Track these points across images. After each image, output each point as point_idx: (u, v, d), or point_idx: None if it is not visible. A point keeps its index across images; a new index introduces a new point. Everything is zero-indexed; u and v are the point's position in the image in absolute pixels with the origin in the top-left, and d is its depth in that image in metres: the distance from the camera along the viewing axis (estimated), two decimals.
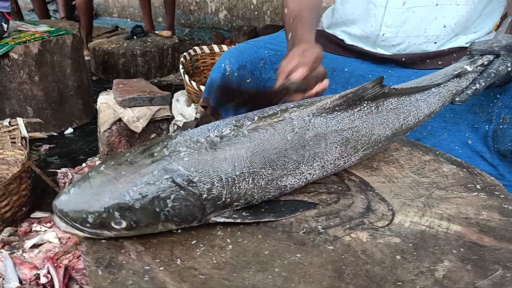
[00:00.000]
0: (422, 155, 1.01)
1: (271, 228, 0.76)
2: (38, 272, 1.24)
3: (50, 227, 1.47)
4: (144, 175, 0.69)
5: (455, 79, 0.96)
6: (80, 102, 2.55)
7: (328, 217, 0.78)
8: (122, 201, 0.67)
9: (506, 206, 0.82)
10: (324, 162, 0.81)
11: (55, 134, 2.38)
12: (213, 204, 0.73)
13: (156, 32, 3.70)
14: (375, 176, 0.92)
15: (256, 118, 0.78)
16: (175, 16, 4.14)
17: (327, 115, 0.79)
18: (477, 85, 0.98)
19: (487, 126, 1.17)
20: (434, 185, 0.89)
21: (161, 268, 0.68)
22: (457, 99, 0.99)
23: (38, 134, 1.81)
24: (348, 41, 1.35)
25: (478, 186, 0.89)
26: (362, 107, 0.83)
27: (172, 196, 0.69)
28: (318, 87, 0.96)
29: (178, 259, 0.70)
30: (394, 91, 0.86)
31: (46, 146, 2.31)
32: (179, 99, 2.45)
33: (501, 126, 1.13)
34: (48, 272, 1.24)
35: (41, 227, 1.54)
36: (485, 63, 0.97)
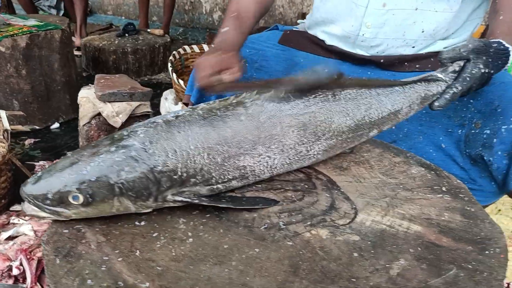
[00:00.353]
0: (393, 157, 1.02)
1: (233, 223, 0.77)
2: (11, 263, 1.24)
3: (27, 220, 1.47)
4: (102, 152, 0.73)
5: (424, 82, 0.97)
6: (67, 97, 2.55)
7: (290, 214, 0.79)
8: (79, 175, 0.71)
9: (468, 209, 0.83)
10: (283, 146, 0.82)
11: (37, 127, 2.37)
12: (169, 178, 0.74)
13: (148, 30, 3.70)
14: (343, 176, 0.93)
15: (212, 102, 0.81)
16: None
17: (280, 99, 0.82)
18: (454, 89, 0.97)
19: (460, 130, 1.18)
20: (401, 186, 0.90)
21: (120, 259, 0.68)
22: (436, 103, 0.98)
23: (20, 127, 1.81)
24: (328, 41, 1.36)
25: (443, 188, 0.90)
26: (318, 94, 0.85)
27: (126, 168, 0.72)
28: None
29: (138, 251, 0.70)
30: (350, 81, 0.88)
31: (31, 140, 2.31)
32: (168, 97, 2.45)
33: (472, 131, 1.14)
34: (21, 264, 1.23)
35: (19, 220, 1.54)
36: (457, 69, 0.98)
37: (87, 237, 0.73)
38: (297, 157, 0.86)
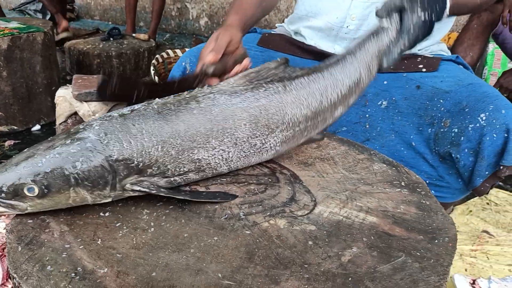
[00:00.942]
0: (357, 154, 1.05)
1: (195, 214, 0.79)
2: None
3: (0, 218, 1.47)
4: (58, 145, 0.75)
5: (372, 38, 0.94)
6: (49, 100, 2.55)
7: (251, 205, 0.82)
8: (34, 168, 0.72)
9: (424, 202, 0.87)
10: (236, 139, 0.84)
11: (17, 128, 2.37)
12: (126, 167, 0.76)
13: (134, 35, 3.72)
14: (306, 171, 0.96)
15: (167, 98, 0.84)
16: None
17: (231, 93, 0.85)
18: (401, 46, 0.92)
19: (430, 129, 1.23)
20: (362, 181, 0.93)
21: (81, 247, 0.70)
22: (384, 61, 0.93)
23: None
24: (309, 37, 1.39)
25: (402, 183, 0.93)
26: (267, 86, 0.87)
27: (81, 159, 0.74)
28: (237, 68, 1.02)
29: (100, 239, 0.72)
30: (300, 71, 0.90)
31: (11, 142, 2.31)
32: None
33: (441, 130, 1.19)
34: None
35: None
36: (397, 19, 0.93)
37: (51, 227, 0.75)
38: (253, 150, 0.87)
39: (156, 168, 0.79)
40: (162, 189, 0.79)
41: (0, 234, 1.40)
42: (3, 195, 0.72)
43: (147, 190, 0.78)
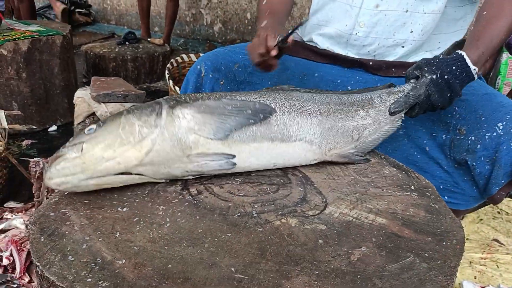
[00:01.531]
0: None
1: (209, 211, 0.82)
2: (1, 254, 1.29)
3: (19, 215, 1.51)
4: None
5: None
6: (65, 101, 2.61)
7: (263, 204, 0.84)
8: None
9: (433, 205, 0.88)
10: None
11: (34, 127, 2.43)
12: (172, 98, 0.91)
13: (149, 39, 3.79)
14: (318, 173, 0.98)
15: None
16: None
17: None
18: (409, 96, 1.06)
19: (445, 135, 1.24)
20: (372, 184, 0.95)
21: (100, 239, 0.73)
22: (391, 106, 1.07)
23: (17, 126, 1.87)
24: (322, 44, 1.43)
25: (412, 187, 0.95)
26: None
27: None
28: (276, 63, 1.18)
29: (118, 233, 0.75)
30: None
31: (28, 141, 2.37)
32: None
33: (457, 137, 1.20)
34: (11, 255, 1.28)
35: (12, 216, 1.58)
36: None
37: (72, 220, 0.78)
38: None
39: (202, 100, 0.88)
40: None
41: (18, 229, 1.45)
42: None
43: (196, 107, 0.87)
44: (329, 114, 1.02)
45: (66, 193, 0.87)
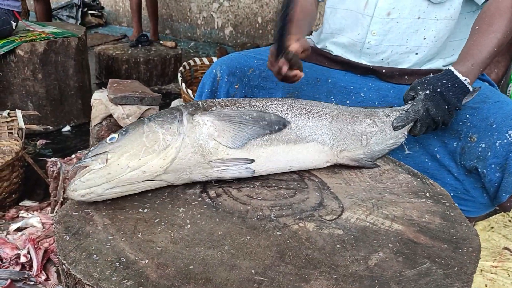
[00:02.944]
0: (383, 164, 1.08)
1: (229, 214, 0.83)
2: (19, 252, 1.31)
3: (35, 213, 1.54)
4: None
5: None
6: (79, 102, 2.65)
7: (281, 208, 0.86)
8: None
9: (448, 213, 0.89)
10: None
11: (50, 127, 2.47)
12: (192, 105, 0.95)
13: (161, 42, 3.82)
14: (334, 178, 0.99)
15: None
16: (180, 29, 4.29)
17: None
18: (409, 111, 1.12)
19: (455, 143, 1.25)
20: (387, 190, 0.96)
21: (123, 239, 0.75)
22: (394, 121, 1.11)
23: (34, 126, 1.90)
24: (335, 51, 1.44)
25: (427, 194, 0.96)
26: None
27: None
28: (298, 73, 1.18)
29: (140, 233, 0.77)
30: None
31: (42, 141, 2.40)
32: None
33: (468, 144, 1.21)
34: (28, 253, 1.30)
35: (27, 214, 1.61)
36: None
37: (95, 220, 0.80)
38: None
39: (220, 107, 0.90)
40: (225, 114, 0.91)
41: (34, 228, 1.47)
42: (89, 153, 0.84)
43: (216, 115, 0.89)
44: (338, 117, 1.05)
45: None
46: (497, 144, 1.14)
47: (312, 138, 0.98)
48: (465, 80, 1.11)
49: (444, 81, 1.10)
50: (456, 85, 1.10)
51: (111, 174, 0.82)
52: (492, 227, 1.81)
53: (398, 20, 1.28)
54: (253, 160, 0.91)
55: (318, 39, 1.54)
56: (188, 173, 0.88)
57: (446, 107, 1.09)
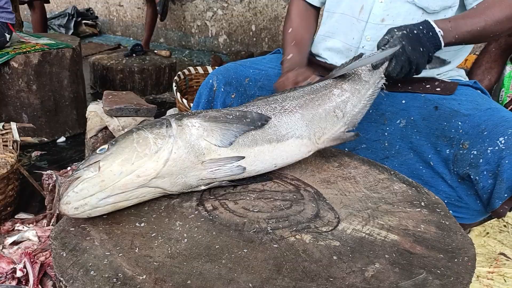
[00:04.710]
0: (378, 174, 1.09)
1: (225, 227, 0.84)
2: (15, 266, 1.31)
3: (31, 227, 1.53)
4: None
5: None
6: (74, 113, 2.65)
7: (278, 220, 0.86)
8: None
9: (443, 222, 0.90)
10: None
11: (46, 140, 2.46)
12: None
13: (155, 51, 3.83)
14: (329, 189, 1.00)
15: None
16: (174, 37, 4.29)
17: None
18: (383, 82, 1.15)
19: (448, 150, 1.26)
20: (383, 200, 0.97)
21: (120, 254, 0.75)
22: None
23: (29, 139, 1.90)
24: (331, 59, 1.46)
25: (422, 203, 0.97)
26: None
27: None
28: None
29: (137, 248, 0.77)
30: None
31: (37, 152, 2.39)
32: None
33: (460, 151, 1.22)
34: (24, 267, 1.30)
35: (23, 227, 1.60)
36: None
37: (92, 235, 0.80)
38: None
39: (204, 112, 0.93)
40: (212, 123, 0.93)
41: (30, 241, 1.47)
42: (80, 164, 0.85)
43: (202, 117, 0.92)
44: (306, 105, 1.06)
45: None
46: (488, 151, 1.15)
47: (290, 134, 1.01)
48: (439, 32, 1.14)
49: (421, 27, 1.13)
50: (431, 33, 1.13)
51: (105, 181, 0.81)
52: (488, 233, 1.82)
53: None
54: (243, 157, 0.93)
55: (314, 41, 1.55)
56: (183, 177, 0.89)
57: (421, 49, 1.12)
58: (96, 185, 0.81)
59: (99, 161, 0.83)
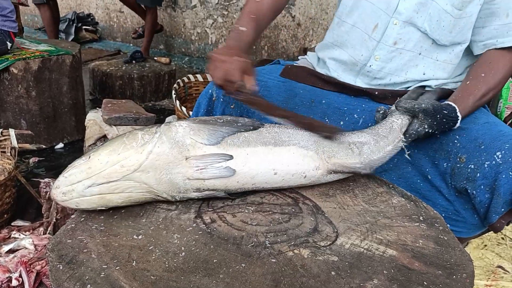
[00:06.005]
0: (376, 187, 1.09)
1: (223, 240, 0.83)
2: (11, 275, 1.30)
3: (28, 235, 1.53)
4: None
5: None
6: (73, 119, 2.65)
7: (276, 234, 0.86)
8: None
9: (442, 237, 0.90)
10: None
11: (44, 146, 2.46)
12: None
13: (155, 58, 3.84)
14: (328, 202, 1.00)
15: None
16: (174, 44, 4.30)
17: None
18: (402, 144, 1.16)
19: (446, 163, 1.26)
20: (381, 214, 0.97)
21: (117, 268, 0.75)
22: (400, 102, 1.17)
23: (27, 146, 1.90)
24: (333, 69, 1.45)
25: (421, 218, 0.97)
26: None
27: None
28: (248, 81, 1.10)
29: (134, 261, 0.77)
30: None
31: (35, 159, 2.39)
32: None
33: (458, 165, 1.22)
34: (20, 276, 1.29)
35: (19, 235, 1.60)
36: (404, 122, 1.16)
37: (89, 247, 0.80)
38: None
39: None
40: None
41: (27, 250, 1.46)
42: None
43: (191, 120, 0.95)
44: None
45: (82, 219, 0.88)
46: (485, 165, 1.15)
47: (293, 142, 1.00)
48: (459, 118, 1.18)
49: (446, 126, 1.18)
50: (453, 115, 1.17)
51: (91, 168, 0.86)
52: (486, 245, 1.82)
53: (402, 51, 1.31)
54: (231, 156, 0.92)
55: (320, 46, 1.55)
56: (168, 173, 0.89)
57: (442, 120, 1.15)
58: (83, 172, 0.87)
59: (91, 152, 0.89)
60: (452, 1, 1.23)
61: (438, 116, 1.14)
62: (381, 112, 1.20)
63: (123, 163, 0.87)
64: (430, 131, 1.15)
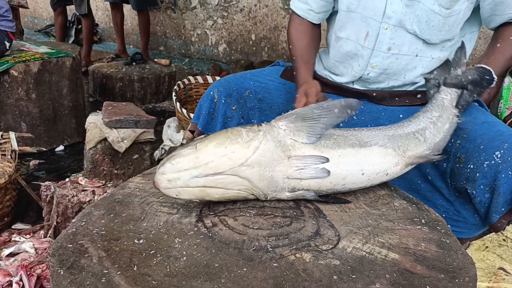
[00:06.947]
0: (378, 190, 1.09)
1: (225, 244, 0.83)
2: (11, 279, 1.29)
3: (28, 238, 1.52)
4: None
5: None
6: (73, 122, 2.64)
7: (278, 238, 0.85)
8: None
9: (444, 240, 0.89)
10: None
11: (44, 149, 2.45)
12: None
13: (155, 60, 3.84)
14: (329, 205, 0.99)
15: None
16: (174, 45, 4.31)
17: None
18: (457, 118, 1.17)
19: (445, 164, 1.26)
20: (383, 217, 0.96)
21: (118, 273, 0.74)
22: (448, 78, 1.18)
23: (28, 149, 1.89)
24: (338, 79, 1.46)
25: (423, 221, 0.96)
26: None
27: None
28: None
29: (135, 266, 0.76)
30: None
31: (35, 161, 2.38)
32: (170, 125, 2.54)
33: (457, 165, 1.22)
34: (21, 280, 1.29)
35: (20, 238, 1.59)
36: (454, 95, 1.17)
37: (90, 252, 0.79)
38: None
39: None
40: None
41: (27, 253, 1.46)
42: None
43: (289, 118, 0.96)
44: (384, 129, 1.10)
45: (83, 224, 0.88)
46: (485, 165, 1.15)
47: (373, 142, 1.04)
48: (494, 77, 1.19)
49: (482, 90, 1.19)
50: (491, 77, 1.18)
51: (199, 158, 0.87)
52: (487, 247, 1.82)
53: (398, 56, 1.31)
54: (327, 159, 0.95)
55: (325, 62, 1.54)
56: (271, 170, 0.92)
57: (485, 85, 1.17)
58: (191, 161, 0.87)
59: (196, 142, 0.90)
60: (439, 1, 1.23)
61: (483, 83, 1.17)
62: (431, 81, 1.22)
63: (230, 156, 0.89)
64: (477, 98, 1.18)
